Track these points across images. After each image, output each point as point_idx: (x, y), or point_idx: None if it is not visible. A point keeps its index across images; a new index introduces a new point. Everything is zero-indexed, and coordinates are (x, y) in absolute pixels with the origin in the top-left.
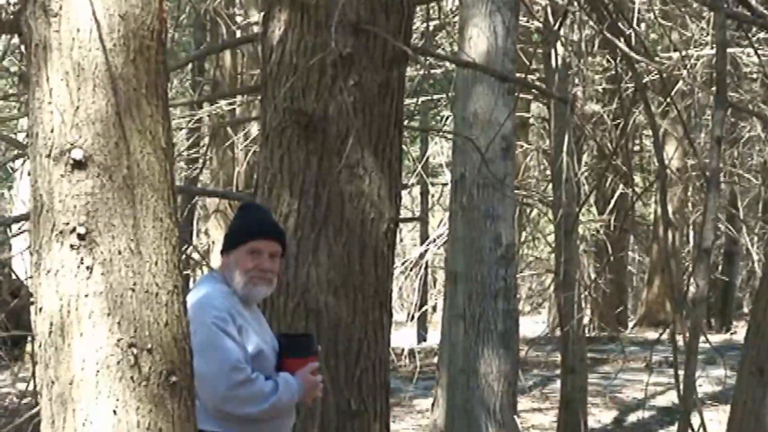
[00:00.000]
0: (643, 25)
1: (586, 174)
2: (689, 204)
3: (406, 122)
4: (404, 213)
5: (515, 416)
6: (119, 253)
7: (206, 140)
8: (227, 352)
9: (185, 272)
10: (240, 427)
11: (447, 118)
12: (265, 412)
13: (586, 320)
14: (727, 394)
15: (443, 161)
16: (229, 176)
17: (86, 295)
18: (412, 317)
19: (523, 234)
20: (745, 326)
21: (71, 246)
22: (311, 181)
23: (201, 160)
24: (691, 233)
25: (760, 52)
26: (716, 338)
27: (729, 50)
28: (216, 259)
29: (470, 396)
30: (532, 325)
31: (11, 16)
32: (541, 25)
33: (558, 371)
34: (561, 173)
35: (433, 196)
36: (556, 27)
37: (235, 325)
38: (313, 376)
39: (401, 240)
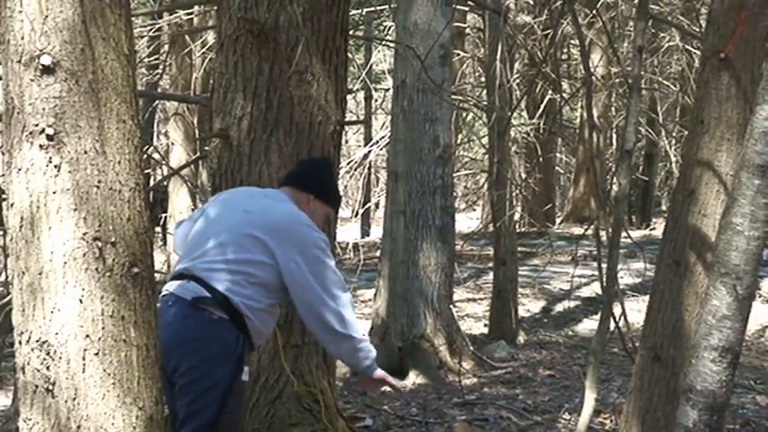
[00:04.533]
0: None
1: (517, 80)
2: (613, 109)
3: (351, 32)
4: (349, 116)
5: (451, 305)
6: (85, 152)
7: (166, 47)
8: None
9: (146, 171)
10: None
11: (389, 27)
12: (358, 340)
13: (516, 216)
14: (646, 285)
15: (386, 68)
16: (187, 81)
17: (54, 192)
18: (357, 213)
19: (459, 136)
20: (663, 222)
21: (40, 146)
22: (263, 86)
23: (161, 66)
24: (614, 136)
25: None
26: (637, 234)
27: None
28: (175, 159)
29: (410, 286)
30: (467, 221)
31: None
32: None
33: (490, 264)
34: (494, 80)
35: (376, 100)
36: None
37: None
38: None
39: (346, 141)
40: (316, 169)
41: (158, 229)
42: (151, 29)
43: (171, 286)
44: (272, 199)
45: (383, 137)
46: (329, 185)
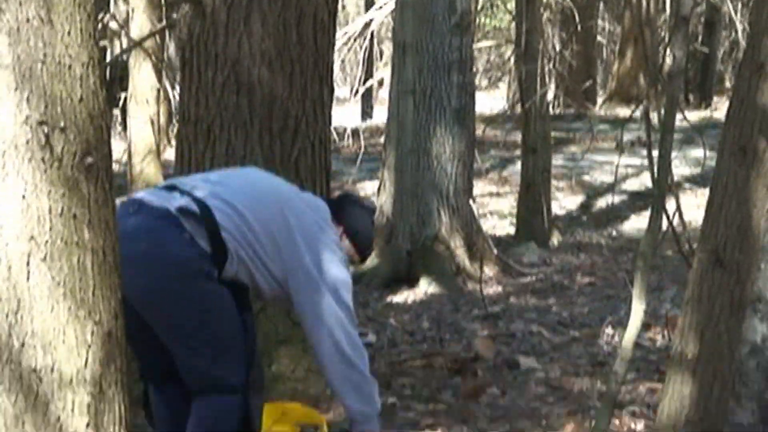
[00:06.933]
0: None
1: None
2: None
3: None
4: None
5: (471, 201)
6: (27, 21)
7: None
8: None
9: (102, 43)
10: None
11: None
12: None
13: (550, 96)
14: (706, 176)
15: None
16: None
17: None
18: (356, 93)
19: (480, 0)
20: (726, 102)
21: None
22: None
23: None
24: None
25: None
26: (694, 115)
27: None
28: (136, 28)
29: (420, 179)
30: (490, 101)
31: None
32: None
33: (518, 152)
34: None
35: None
36: None
37: None
38: None
39: (343, 6)
40: (358, 206)
41: (116, 111)
42: None
43: (140, 193)
44: (306, 203)
45: (388, 1)
46: (365, 230)
